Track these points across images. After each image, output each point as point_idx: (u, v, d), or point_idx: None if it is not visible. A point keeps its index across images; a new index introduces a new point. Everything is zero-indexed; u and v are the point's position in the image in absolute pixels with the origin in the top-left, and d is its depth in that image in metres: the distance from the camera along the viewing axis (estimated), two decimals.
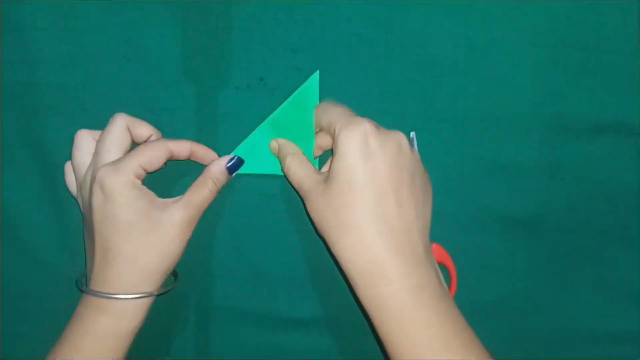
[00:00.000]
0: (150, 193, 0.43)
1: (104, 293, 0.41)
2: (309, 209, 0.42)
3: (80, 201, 0.45)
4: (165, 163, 0.44)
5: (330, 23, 0.46)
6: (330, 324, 0.50)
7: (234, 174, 0.46)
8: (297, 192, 0.44)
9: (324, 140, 0.46)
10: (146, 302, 0.43)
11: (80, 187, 0.44)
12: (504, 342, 0.51)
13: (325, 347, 0.50)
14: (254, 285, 0.49)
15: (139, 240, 0.41)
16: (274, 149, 0.46)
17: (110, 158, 0.42)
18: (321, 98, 0.46)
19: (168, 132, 0.46)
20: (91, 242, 0.43)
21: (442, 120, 0.47)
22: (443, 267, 0.49)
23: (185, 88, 0.46)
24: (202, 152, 0.45)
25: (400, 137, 0.41)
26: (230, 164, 0.45)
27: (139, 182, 0.42)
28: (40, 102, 0.46)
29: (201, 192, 0.44)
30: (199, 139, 0.46)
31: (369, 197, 0.39)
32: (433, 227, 0.49)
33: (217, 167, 0.45)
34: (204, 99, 0.46)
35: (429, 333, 0.38)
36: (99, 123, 0.46)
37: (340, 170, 0.39)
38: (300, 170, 0.43)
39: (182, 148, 0.44)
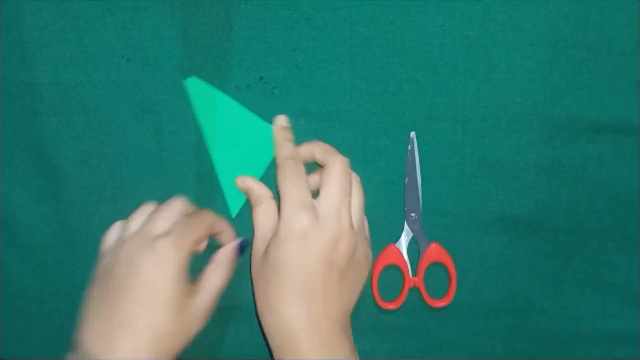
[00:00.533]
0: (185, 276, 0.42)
1: None
2: (252, 266, 0.44)
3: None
4: None
5: (330, 22, 0.45)
6: None
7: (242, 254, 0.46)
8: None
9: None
10: None
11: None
12: (504, 342, 0.52)
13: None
14: None
15: (169, 320, 0.40)
16: (241, 189, 0.46)
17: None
18: (322, 96, 0.46)
19: (168, 132, 0.46)
20: (106, 306, 0.41)
21: (442, 120, 0.47)
22: (443, 267, 0.49)
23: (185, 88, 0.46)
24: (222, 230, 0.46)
25: (339, 231, 0.42)
26: (238, 247, 0.45)
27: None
28: (40, 102, 0.46)
29: (217, 280, 0.43)
30: (199, 139, 0.46)
31: (295, 286, 0.41)
32: (433, 227, 0.49)
33: (227, 252, 0.44)
34: None
35: None
36: (99, 123, 0.46)
37: (276, 256, 0.42)
38: (266, 221, 0.44)
39: (222, 227, 0.45)
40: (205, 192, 0.47)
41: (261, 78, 0.46)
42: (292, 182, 0.43)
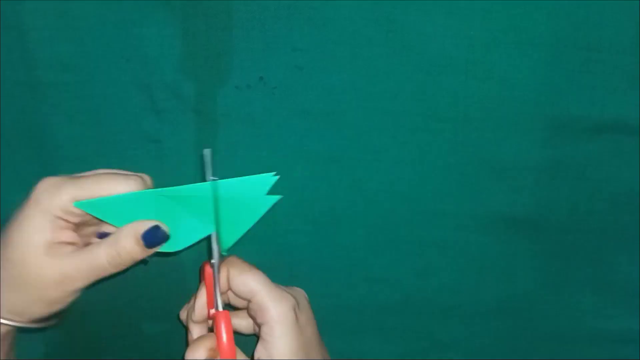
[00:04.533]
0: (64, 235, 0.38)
1: None
2: None
3: None
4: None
5: (330, 22, 0.45)
6: (329, 323, 0.50)
7: (154, 250, 0.37)
8: None
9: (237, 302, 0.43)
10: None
11: None
12: (504, 342, 0.52)
13: None
14: None
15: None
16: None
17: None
18: (322, 96, 0.46)
19: (168, 132, 0.46)
20: None
21: (442, 120, 0.47)
22: None
23: (185, 88, 0.46)
24: None
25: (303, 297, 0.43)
26: (147, 232, 0.37)
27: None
28: (40, 102, 0.46)
29: (95, 259, 0.36)
30: (199, 139, 0.46)
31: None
32: (434, 227, 0.49)
33: (128, 232, 0.37)
34: (204, 98, 0.46)
35: None
36: (99, 123, 0.46)
37: (287, 353, 0.39)
38: None
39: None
40: None
41: (261, 78, 0.46)
42: (255, 277, 0.41)
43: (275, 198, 0.39)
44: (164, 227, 0.37)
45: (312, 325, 0.42)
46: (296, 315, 0.40)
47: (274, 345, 0.39)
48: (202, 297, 0.42)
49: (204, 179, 0.39)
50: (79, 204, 0.37)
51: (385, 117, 0.47)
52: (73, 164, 0.47)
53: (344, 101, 0.47)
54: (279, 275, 0.49)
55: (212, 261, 0.39)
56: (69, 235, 0.38)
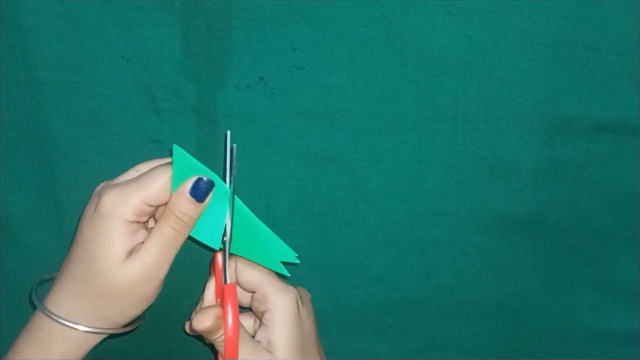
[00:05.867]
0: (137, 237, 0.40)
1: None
2: None
3: None
4: None
5: (330, 22, 0.45)
6: (329, 323, 0.50)
7: (206, 201, 0.40)
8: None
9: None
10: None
11: None
12: (504, 342, 0.52)
13: (323, 345, 0.50)
14: None
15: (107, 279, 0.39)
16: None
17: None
18: (322, 96, 0.46)
19: (168, 132, 0.46)
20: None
21: (442, 120, 0.47)
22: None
23: (185, 88, 0.46)
24: None
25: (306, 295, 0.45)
26: (193, 188, 0.39)
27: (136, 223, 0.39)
28: (40, 102, 0.46)
29: (163, 235, 0.39)
30: (198, 139, 0.46)
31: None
32: (434, 227, 0.49)
33: (178, 196, 0.39)
34: (204, 98, 0.46)
35: None
36: (99, 123, 0.46)
37: (285, 340, 0.41)
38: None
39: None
40: None
41: (261, 78, 0.46)
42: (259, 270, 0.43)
43: (284, 270, 0.44)
44: (206, 178, 0.39)
45: (312, 321, 0.43)
46: (298, 308, 0.42)
47: (274, 330, 0.41)
48: (210, 287, 0.43)
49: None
50: (178, 150, 0.39)
51: (385, 117, 0.47)
52: (73, 164, 0.47)
53: (344, 101, 0.47)
54: (278, 276, 0.49)
55: (225, 238, 0.41)
56: (143, 235, 0.41)
